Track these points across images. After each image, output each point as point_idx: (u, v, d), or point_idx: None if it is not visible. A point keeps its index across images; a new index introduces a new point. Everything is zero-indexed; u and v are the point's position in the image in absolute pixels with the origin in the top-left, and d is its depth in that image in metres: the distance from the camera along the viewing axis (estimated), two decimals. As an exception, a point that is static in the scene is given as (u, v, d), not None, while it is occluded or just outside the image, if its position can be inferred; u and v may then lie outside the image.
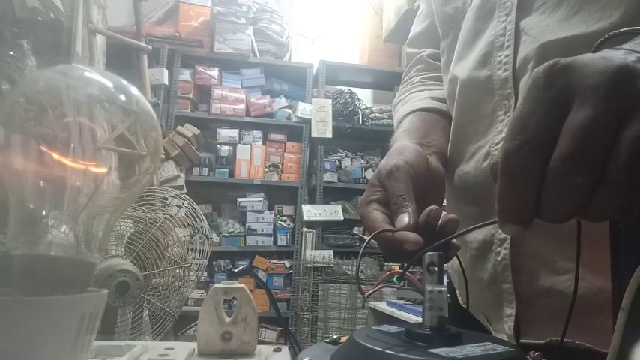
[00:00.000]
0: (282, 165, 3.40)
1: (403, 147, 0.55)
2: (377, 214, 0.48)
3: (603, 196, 0.27)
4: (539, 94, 0.30)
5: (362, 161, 3.53)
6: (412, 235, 0.43)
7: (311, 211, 3.22)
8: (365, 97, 3.68)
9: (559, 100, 0.29)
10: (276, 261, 3.28)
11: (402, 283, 0.38)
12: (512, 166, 0.29)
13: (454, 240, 0.46)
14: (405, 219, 0.45)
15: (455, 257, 0.50)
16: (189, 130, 3.16)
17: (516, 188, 0.29)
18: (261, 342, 0.56)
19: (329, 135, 3.31)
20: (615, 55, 0.29)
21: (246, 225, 3.25)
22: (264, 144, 3.40)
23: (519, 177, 0.29)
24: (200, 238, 1.76)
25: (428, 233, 0.44)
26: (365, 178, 3.44)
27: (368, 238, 0.47)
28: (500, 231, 0.55)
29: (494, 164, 0.32)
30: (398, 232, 0.44)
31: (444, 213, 0.47)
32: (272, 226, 3.29)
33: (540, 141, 0.29)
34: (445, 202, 0.68)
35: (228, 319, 0.55)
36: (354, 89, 3.58)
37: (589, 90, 0.28)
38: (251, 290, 0.55)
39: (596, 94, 0.28)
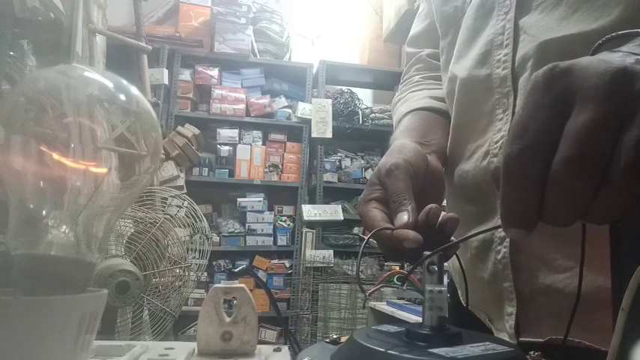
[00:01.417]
0: (282, 165, 3.40)
1: (402, 145, 0.55)
2: (376, 213, 0.48)
3: (606, 198, 0.27)
4: (539, 98, 0.30)
5: (362, 161, 3.53)
6: (411, 233, 0.43)
7: (311, 211, 3.22)
8: (365, 97, 3.68)
9: (559, 103, 0.29)
10: (276, 261, 3.28)
11: (405, 286, 0.38)
12: (514, 171, 0.29)
13: (453, 238, 0.46)
14: (404, 217, 0.45)
15: (455, 257, 0.50)
16: (189, 130, 3.16)
17: (519, 193, 0.29)
18: (261, 342, 0.56)
19: (329, 135, 3.31)
20: (614, 58, 0.29)
21: (246, 225, 3.25)
22: (264, 144, 3.40)
23: (521, 182, 0.29)
24: (200, 238, 1.76)
25: (427, 231, 0.44)
26: (365, 178, 3.44)
27: (368, 236, 0.46)
28: (500, 230, 0.56)
29: (495, 169, 0.32)
30: (397, 230, 0.44)
31: (443, 213, 0.47)
32: (272, 226, 3.29)
33: (541, 145, 0.29)
34: (445, 201, 0.68)
35: (228, 319, 0.55)
36: (354, 89, 3.58)
37: (589, 93, 0.28)
38: (251, 290, 0.55)
39: (597, 96, 0.28)
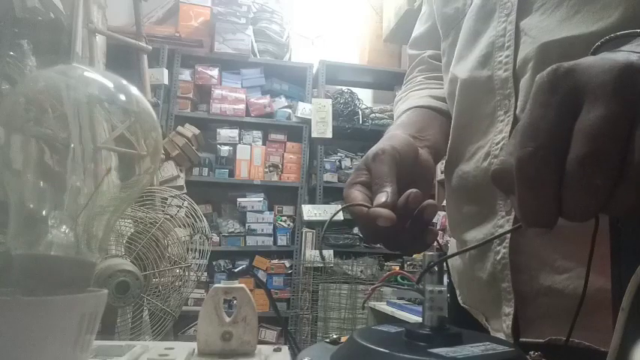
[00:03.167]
0: (282, 165, 3.40)
1: (392, 135, 0.57)
2: (357, 194, 0.49)
3: (624, 194, 0.27)
4: (546, 98, 0.29)
5: (362, 161, 3.52)
6: (385, 212, 0.44)
7: (311, 211, 3.22)
8: (365, 97, 3.68)
9: (567, 102, 0.29)
10: (276, 261, 3.28)
11: (421, 284, 0.37)
12: (529, 174, 0.29)
13: (450, 238, 0.46)
14: (382, 198, 0.46)
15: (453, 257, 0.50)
16: (189, 130, 3.16)
17: (535, 195, 0.29)
18: (261, 342, 0.56)
19: (329, 135, 3.31)
20: (617, 56, 0.29)
21: (246, 225, 3.25)
22: (264, 144, 3.40)
23: (537, 184, 0.29)
24: (200, 238, 1.76)
25: (406, 215, 0.45)
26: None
27: (340, 208, 0.48)
28: (500, 231, 0.56)
29: (494, 171, 0.32)
30: (372, 209, 0.45)
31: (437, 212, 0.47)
32: (272, 226, 3.29)
33: (553, 145, 0.28)
34: (445, 201, 0.68)
35: (228, 319, 0.55)
36: (354, 89, 3.58)
37: (598, 89, 0.28)
38: (251, 290, 0.55)
39: (605, 93, 0.28)
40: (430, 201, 0.46)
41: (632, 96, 0.27)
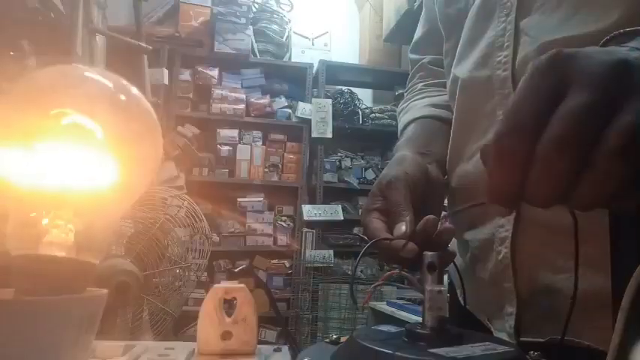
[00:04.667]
0: (282, 165, 3.40)
1: (402, 158, 0.58)
2: (377, 223, 0.51)
3: (587, 183, 0.27)
4: (537, 81, 0.30)
5: (362, 161, 3.52)
6: (407, 244, 0.46)
7: (311, 211, 3.22)
8: (365, 97, 3.68)
9: (555, 87, 0.29)
10: (276, 261, 3.28)
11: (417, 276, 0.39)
12: (503, 149, 0.29)
13: (450, 247, 0.48)
14: (402, 228, 0.48)
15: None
16: (189, 130, 3.15)
17: (504, 171, 0.29)
18: (261, 342, 0.56)
19: (329, 135, 3.31)
20: (619, 50, 0.30)
21: (246, 225, 3.25)
22: (264, 144, 3.40)
23: (508, 160, 0.29)
24: (200, 238, 1.76)
25: (424, 241, 0.47)
26: (365, 178, 3.44)
27: (366, 246, 0.50)
28: (500, 230, 0.56)
29: (484, 146, 0.32)
30: (394, 241, 0.48)
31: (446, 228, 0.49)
32: (272, 226, 3.29)
33: (532, 125, 0.29)
34: (446, 201, 0.69)
35: (228, 319, 0.55)
36: (354, 89, 3.57)
37: (584, 78, 0.28)
38: (251, 290, 0.55)
39: (592, 82, 0.28)
40: (446, 225, 0.49)
41: (617, 89, 0.27)
